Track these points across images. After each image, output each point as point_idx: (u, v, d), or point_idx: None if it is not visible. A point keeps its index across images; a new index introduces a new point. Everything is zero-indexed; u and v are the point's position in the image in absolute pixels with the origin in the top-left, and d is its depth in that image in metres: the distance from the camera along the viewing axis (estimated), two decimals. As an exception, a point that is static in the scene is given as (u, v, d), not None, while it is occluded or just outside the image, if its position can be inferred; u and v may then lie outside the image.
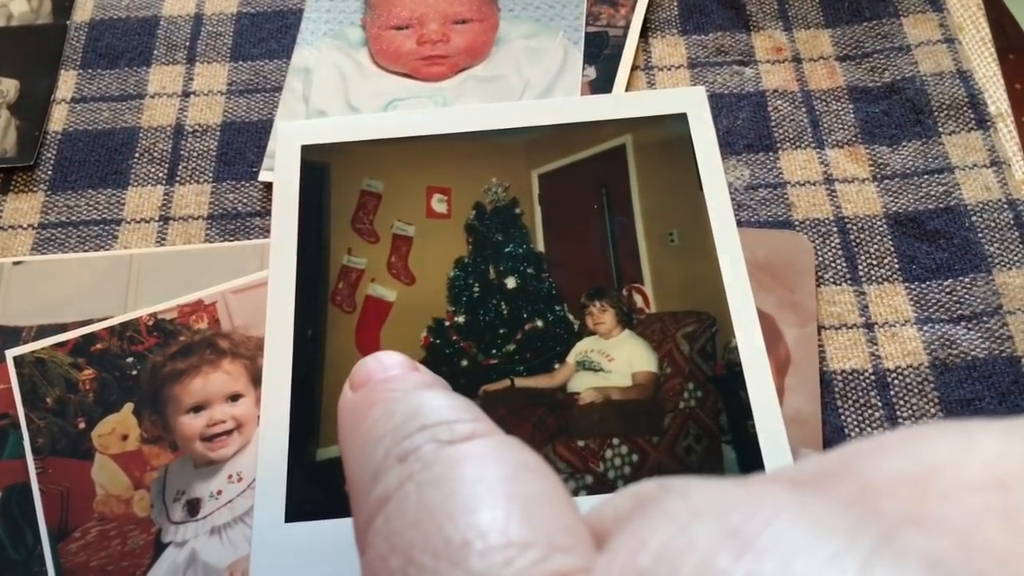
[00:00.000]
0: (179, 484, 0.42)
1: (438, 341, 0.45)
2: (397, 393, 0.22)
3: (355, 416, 0.22)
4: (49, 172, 0.51)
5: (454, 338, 0.46)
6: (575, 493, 0.41)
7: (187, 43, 0.56)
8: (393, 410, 0.21)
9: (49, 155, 0.52)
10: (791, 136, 0.51)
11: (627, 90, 0.53)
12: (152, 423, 0.43)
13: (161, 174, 0.51)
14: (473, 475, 0.19)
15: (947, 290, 0.46)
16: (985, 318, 0.45)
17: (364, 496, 0.20)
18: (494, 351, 0.45)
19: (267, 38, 0.56)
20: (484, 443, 0.20)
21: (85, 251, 0.49)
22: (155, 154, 0.52)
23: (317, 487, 0.42)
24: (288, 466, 0.42)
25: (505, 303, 0.47)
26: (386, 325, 0.46)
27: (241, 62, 0.55)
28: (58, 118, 0.53)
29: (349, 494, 0.22)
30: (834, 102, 0.52)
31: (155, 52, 0.55)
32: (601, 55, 0.54)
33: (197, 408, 0.44)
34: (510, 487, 0.18)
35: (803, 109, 0.52)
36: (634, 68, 0.54)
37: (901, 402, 0.43)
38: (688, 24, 0.55)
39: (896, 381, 0.43)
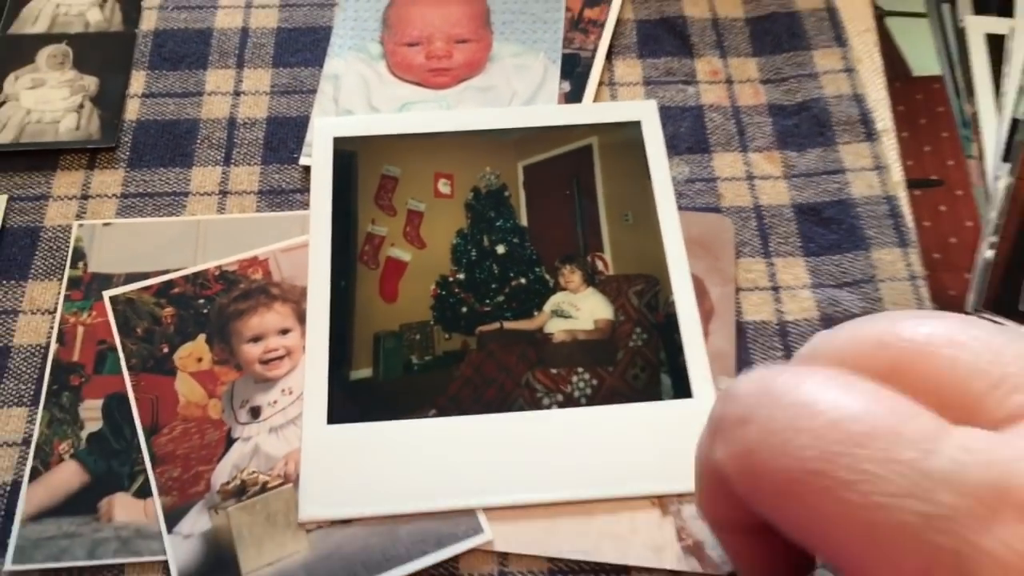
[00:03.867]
0: (244, 395, 0.54)
1: (444, 292, 0.58)
2: None
3: None
4: (127, 153, 0.63)
5: (456, 291, 0.58)
6: (548, 407, 0.54)
7: (236, 51, 0.68)
8: None
9: (126, 139, 0.63)
10: (722, 141, 0.64)
11: (594, 101, 0.66)
12: (220, 350, 0.56)
13: (219, 157, 0.63)
14: None
15: (836, 263, 0.59)
16: (863, 284, 0.58)
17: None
18: (487, 301, 0.58)
19: (302, 49, 0.68)
20: None
21: (160, 216, 0.61)
22: (213, 141, 0.64)
23: (350, 399, 0.54)
24: (328, 383, 0.54)
25: (496, 265, 0.59)
26: (403, 279, 0.59)
27: (281, 68, 0.67)
28: (132, 109, 0.65)
29: None
30: (756, 116, 0.65)
31: (210, 58, 0.68)
32: (574, 72, 0.67)
33: (255, 339, 0.56)
34: None
35: (732, 121, 0.65)
36: (600, 84, 0.67)
37: (796, 346, 0.56)
38: (644, 50, 0.69)
39: (793, 330, 0.57)
